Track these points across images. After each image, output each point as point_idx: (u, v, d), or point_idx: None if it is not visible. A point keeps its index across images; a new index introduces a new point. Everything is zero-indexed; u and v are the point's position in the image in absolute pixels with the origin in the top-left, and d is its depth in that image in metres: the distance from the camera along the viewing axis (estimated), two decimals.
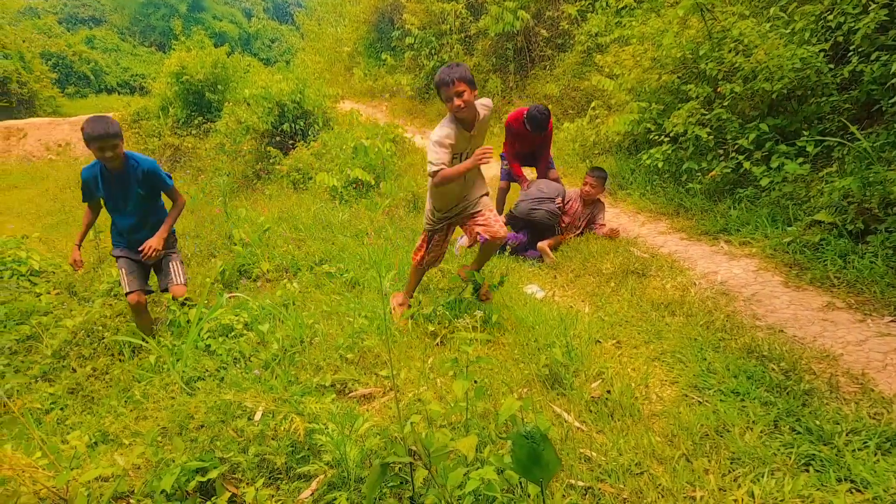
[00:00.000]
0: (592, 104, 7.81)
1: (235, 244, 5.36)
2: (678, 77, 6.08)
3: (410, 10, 11.82)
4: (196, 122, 12.86)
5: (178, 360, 3.52)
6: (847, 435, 2.52)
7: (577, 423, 2.74)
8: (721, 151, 5.51)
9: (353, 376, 3.22)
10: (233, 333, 3.81)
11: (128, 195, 4.17)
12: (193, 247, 5.82)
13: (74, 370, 4.07)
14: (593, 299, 4.26)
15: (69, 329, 4.35)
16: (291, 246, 5.36)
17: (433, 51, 11.69)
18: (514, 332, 3.66)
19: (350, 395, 3.10)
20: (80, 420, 3.21)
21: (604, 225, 5.45)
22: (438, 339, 3.66)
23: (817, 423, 2.60)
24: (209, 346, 3.68)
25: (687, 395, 2.97)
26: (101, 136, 3.81)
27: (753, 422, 2.68)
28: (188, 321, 3.83)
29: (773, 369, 3.05)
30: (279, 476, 2.42)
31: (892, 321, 3.47)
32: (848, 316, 3.60)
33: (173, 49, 14.51)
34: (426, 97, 12.10)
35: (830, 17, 5.44)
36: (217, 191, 8.63)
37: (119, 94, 33.11)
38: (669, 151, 5.91)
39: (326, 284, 4.47)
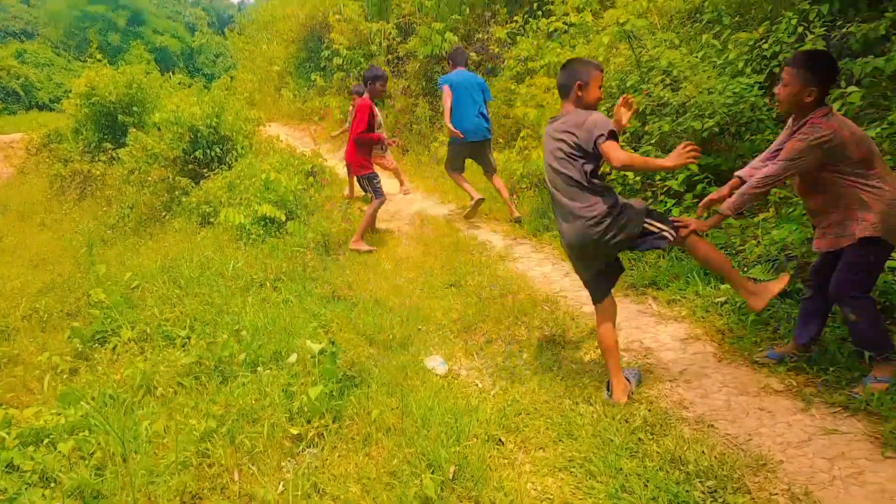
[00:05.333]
0: (522, 133, 7.28)
1: (92, 306, 4.57)
2: (605, 110, 5.58)
3: (338, 29, 11.15)
4: (105, 146, 11.88)
5: None
6: None
7: None
8: (649, 193, 5.00)
9: None
10: (48, 440, 3.05)
11: None
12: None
13: None
14: (503, 374, 3.64)
15: None
16: (166, 306, 4.61)
17: (363, 72, 11.04)
18: (399, 433, 3.01)
19: None
20: None
21: None
22: (304, 445, 2.98)
23: None
24: (12, 459, 2.91)
25: None
26: None
27: None
28: None
29: (699, 488, 2.48)
30: None
31: (839, 412, 2.94)
32: (788, 403, 3.06)
33: (87, 66, 13.46)
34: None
35: (766, 45, 5.03)
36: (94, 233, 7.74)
37: (52, 110, 31.47)
38: None
39: (182, 362, 3.72)
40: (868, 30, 4.21)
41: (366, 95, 6.08)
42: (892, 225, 2.85)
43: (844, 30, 4.44)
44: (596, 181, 3.06)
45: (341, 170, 9.27)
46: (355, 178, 6.41)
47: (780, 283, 3.06)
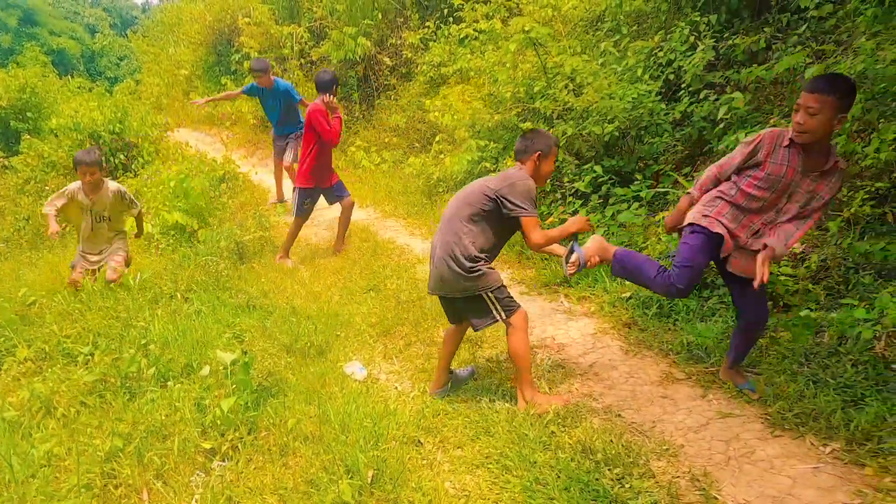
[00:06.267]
0: (437, 138, 7.37)
1: None
2: (516, 115, 5.74)
3: (248, 32, 10.84)
4: None
5: None
6: None
7: None
8: (559, 195, 5.19)
9: None
10: None
11: None
12: None
13: None
14: (422, 376, 3.69)
15: None
16: (66, 322, 4.36)
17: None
18: (317, 441, 2.99)
19: None
20: None
21: None
22: (218, 459, 2.91)
23: None
24: None
25: None
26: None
27: None
28: None
29: (608, 475, 2.60)
30: None
31: (734, 396, 3.16)
32: (688, 390, 3.26)
33: None
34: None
35: (661, 53, 5.32)
36: None
37: None
38: None
39: (85, 380, 3.54)
40: (751, 42, 4.53)
41: (319, 101, 5.62)
42: None
43: (730, 41, 4.76)
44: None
45: (255, 176, 9.08)
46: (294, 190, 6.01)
47: (558, 400, 3.13)
